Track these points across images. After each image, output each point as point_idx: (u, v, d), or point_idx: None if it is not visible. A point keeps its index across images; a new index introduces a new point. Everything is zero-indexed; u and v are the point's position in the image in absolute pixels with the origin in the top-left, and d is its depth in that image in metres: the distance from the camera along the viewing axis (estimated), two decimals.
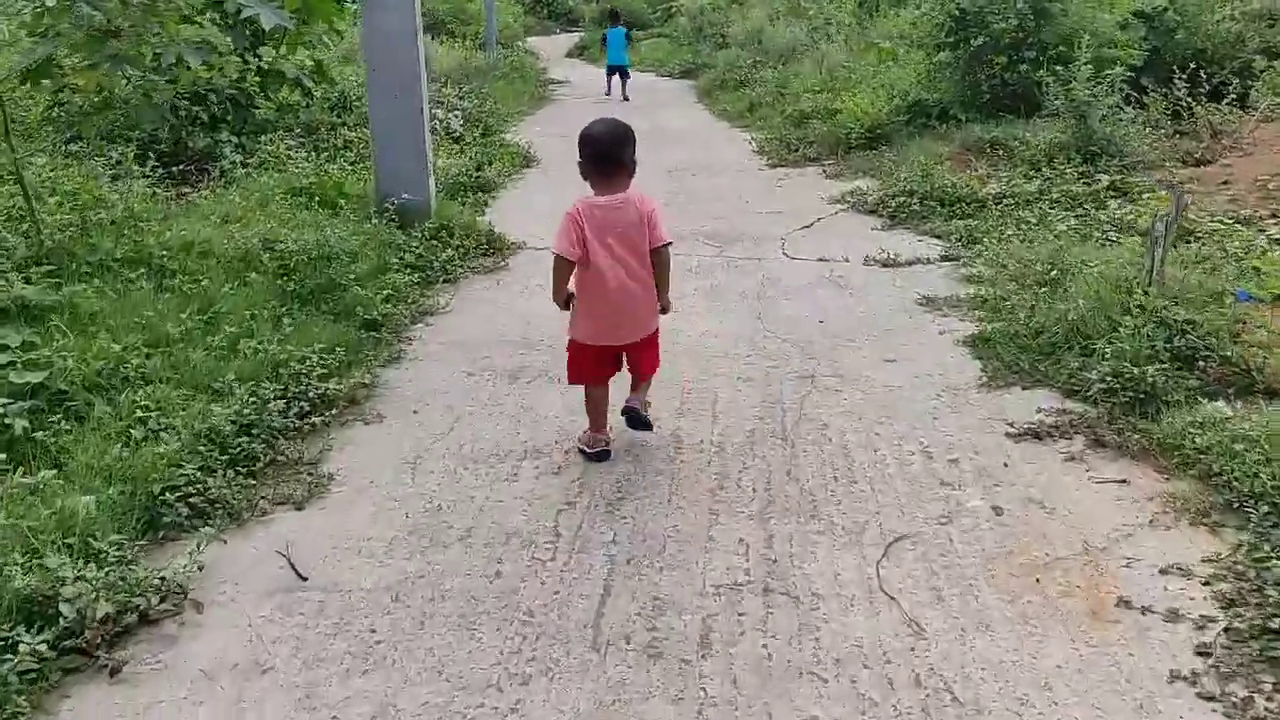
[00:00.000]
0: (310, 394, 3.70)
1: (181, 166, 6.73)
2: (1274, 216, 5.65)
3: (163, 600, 2.58)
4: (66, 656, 2.38)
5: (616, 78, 14.77)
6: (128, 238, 4.76)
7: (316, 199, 5.89)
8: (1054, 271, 4.58)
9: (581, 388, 3.47)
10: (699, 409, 3.73)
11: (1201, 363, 3.55)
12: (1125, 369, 3.51)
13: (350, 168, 6.94)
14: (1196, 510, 2.92)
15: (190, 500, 3.00)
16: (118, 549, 2.70)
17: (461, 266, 5.51)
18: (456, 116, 9.47)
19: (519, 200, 7.50)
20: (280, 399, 3.60)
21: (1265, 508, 2.82)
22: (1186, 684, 2.27)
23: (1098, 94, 6.88)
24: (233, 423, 3.36)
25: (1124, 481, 3.12)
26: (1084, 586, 2.63)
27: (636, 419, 3.43)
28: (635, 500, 3.12)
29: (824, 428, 3.56)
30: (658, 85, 16.71)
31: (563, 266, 3.25)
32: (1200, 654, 2.37)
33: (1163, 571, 2.67)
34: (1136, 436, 3.29)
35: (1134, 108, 7.44)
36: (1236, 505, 2.89)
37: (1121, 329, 3.68)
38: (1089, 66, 6.87)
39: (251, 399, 3.51)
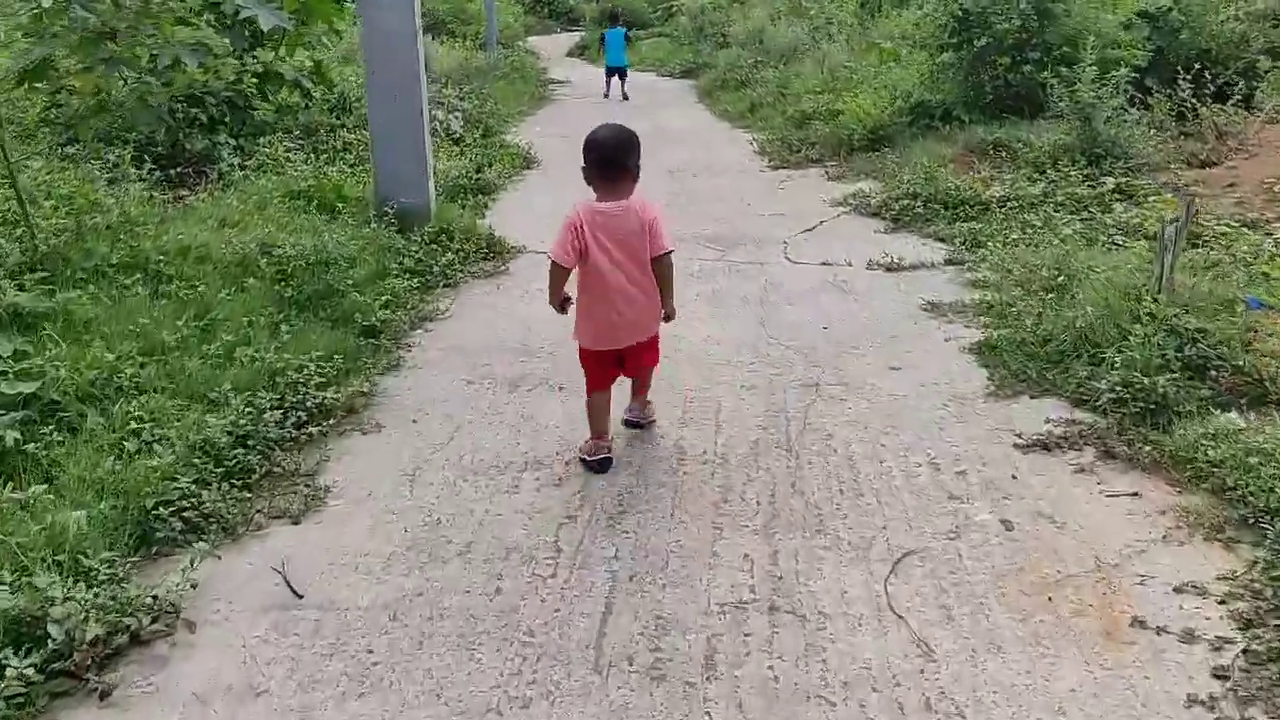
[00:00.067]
0: (308, 403, 3.65)
1: (179, 169, 6.66)
2: None
3: (154, 620, 2.53)
4: (55, 680, 2.32)
5: (616, 79, 14.73)
6: (124, 242, 4.70)
7: (315, 202, 5.83)
8: (1060, 277, 4.52)
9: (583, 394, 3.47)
10: (702, 418, 3.68)
11: (1213, 372, 3.49)
12: (1135, 379, 3.45)
13: (349, 170, 6.88)
14: (1210, 525, 2.86)
15: (184, 514, 2.94)
16: (109, 566, 2.64)
17: (461, 271, 5.45)
18: (457, 117, 9.41)
19: (519, 202, 7.44)
20: (277, 409, 3.54)
21: None
22: (1204, 709, 2.21)
23: (1102, 95, 6.82)
24: (228, 434, 3.30)
25: (1135, 495, 3.06)
26: (1097, 605, 2.58)
27: (634, 426, 3.54)
28: (637, 514, 3.06)
29: (829, 438, 3.50)
30: (658, 85, 16.64)
31: (558, 272, 3.26)
32: (1218, 677, 2.31)
33: (1177, 590, 2.62)
34: (1148, 449, 3.23)
35: (1138, 109, 7.38)
36: (1252, 521, 2.83)
37: (1131, 337, 3.62)
38: (1094, 68, 6.81)
39: (247, 409, 3.45)
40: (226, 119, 7.32)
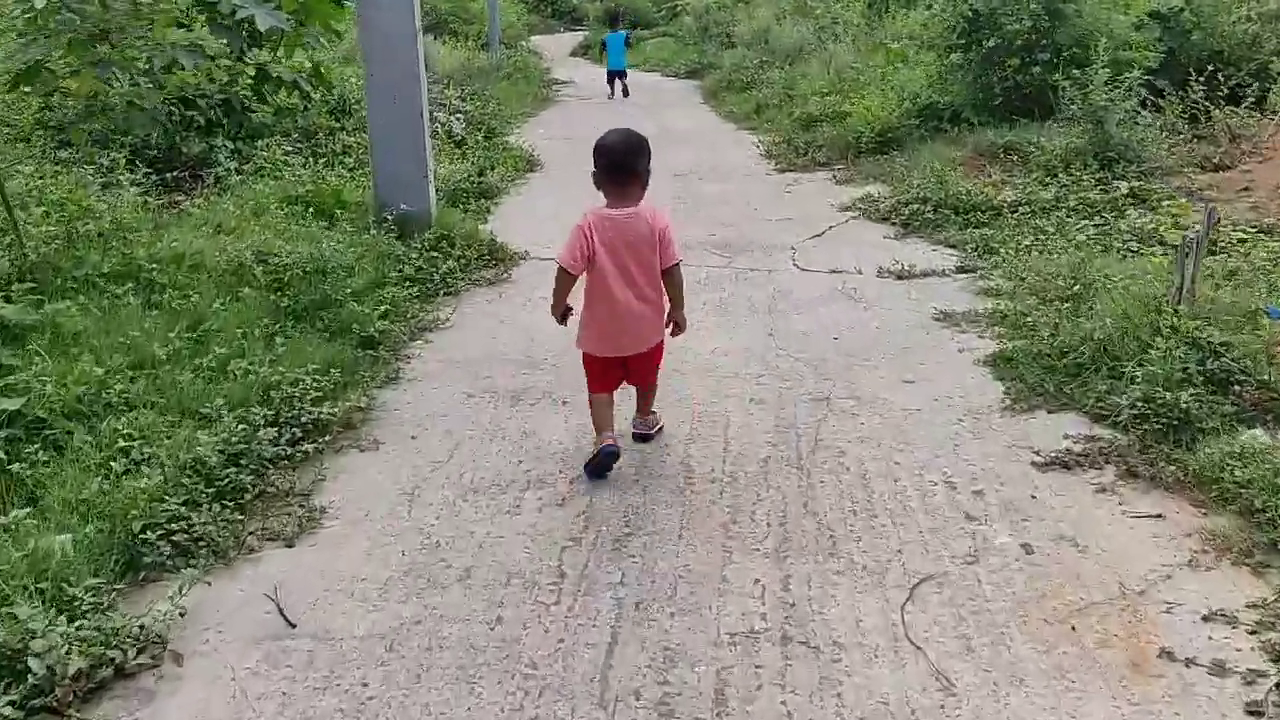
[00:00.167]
0: (303, 419, 3.54)
1: (175, 173, 6.57)
2: None
3: (140, 652, 2.42)
4: (36, 716, 2.22)
5: (617, 81, 14.66)
6: (116, 250, 4.62)
7: (313, 208, 5.72)
8: (1076, 286, 4.41)
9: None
10: (710, 434, 3.57)
11: (1236, 387, 3.38)
12: (1157, 394, 3.34)
13: (349, 174, 6.79)
14: (1239, 550, 2.75)
15: (173, 538, 2.84)
16: (93, 595, 2.54)
17: (462, 279, 5.35)
18: (458, 119, 9.30)
19: (522, 207, 7.34)
20: (271, 425, 3.44)
21: None
22: None
23: (1115, 98, 6.70)
24: (220, 452, 3.20)
25: (1159, 516, 2.95)
26: (1122, 635, 2.46)
27: (644, 439, 3.52)
28: (644, 536, 2.95)
29: (841, 455, 3.39)
30: (663, 85, 16.55)
31: (564, 279, 3.27)
32: (1251, 713, 2.20)
33: (1205, 619, 2.51)
34: (1171, 468, 3.12)
35: (1149, 111, 7.27)
36: None
37: (1152, 351, 3.50)
38: (1106, 70, 6.69)
39: (240, 426, 3.35)
40: (224, 121, 7.22)
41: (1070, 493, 3.10)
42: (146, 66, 6.60)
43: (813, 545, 2.88)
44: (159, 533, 2.83)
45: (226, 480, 3.13)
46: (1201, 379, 3.38)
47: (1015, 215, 5.98)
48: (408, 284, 5.04)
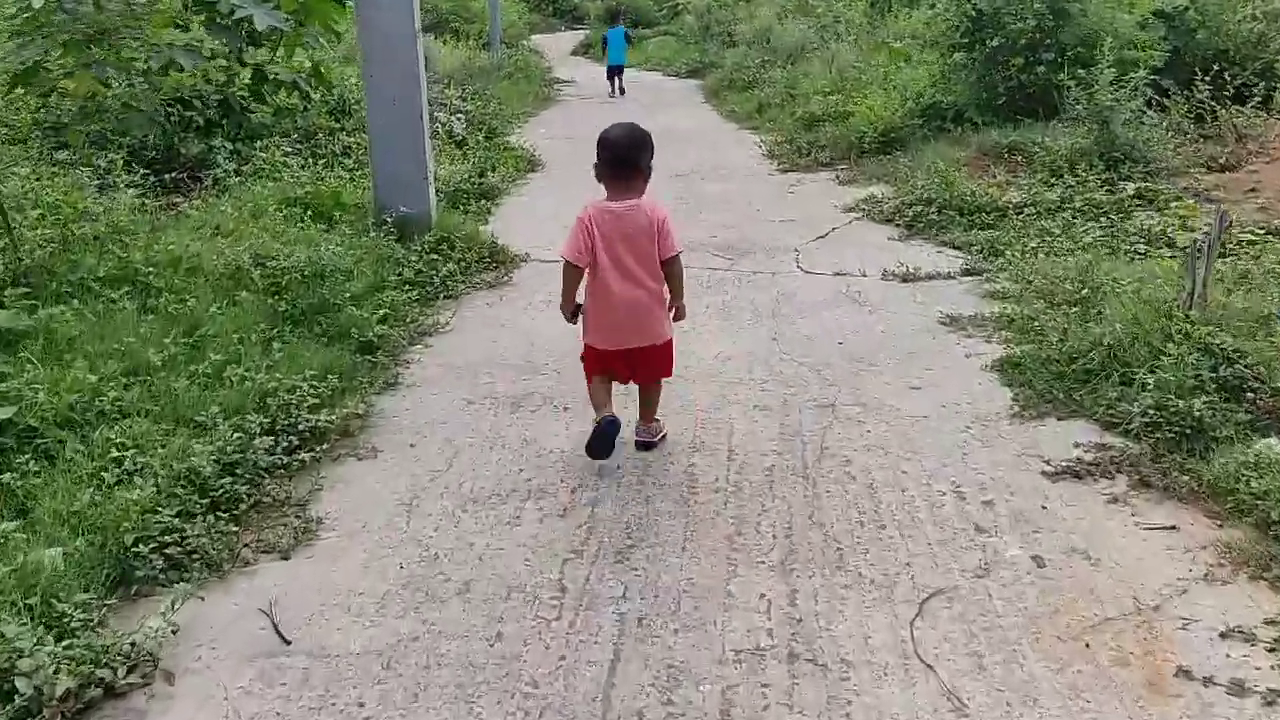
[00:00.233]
0: (300, 426, 3.48)
1: (174, 174, 6.51)
2: None
3: (131, 670, 2.36)
4: None
5: (617, 78, 14.63)
6: (112, 253, 4.55)
7: (311, 210, 5.66)
8: (1084, 289, 4.35)
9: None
10: (713, 443, 3.51)
11: (1251, 395, 3.31)
12: (1169, 401, 3.28)
13: (348, 175, 6.72)
14: (1256, 563, 2.68)
15: (166, 551, 2.77)
16: (83, 611, 2.48)
17: (463, 282, 5.29)
18: (459, 119, 9.24)
19: (523, 208, 7.28)
20: (267, 433, 3.37)
21: None
22: None
23: (1120, 98, 6.63)
24: (215, 461, 3.13)
25: (1173, 528, 2.88)
26: (1138, 653, 2.40)
27: (650, 449, 3.46)
28: (646, 548, 2.89)
29: (847, 464, 3.33)
30: (664, 85, 16.49)
31: (572, 272, 3.31)
32: None
33: (1223, 635, 2.44)
34: (1185, 478, 3.05)
35: (1155, 111, 7.20)
36: None
37: (1164, 357, 3.44)
38: (1112, 70, 6.62)
39: (236, 434, 3.29)
40: (223, 122, 7.16)
41: (1082, 503, 3.04)
42: (145, 67, 6.54)
43: (819, 558, 2.82)
44: (151, 545, 2.76)
45: (221, 490, 3.07)
46: (1214, 386, 3.32)
47: (1020, 217, 5.92)
48: (407, 287, 4.98)
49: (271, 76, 7.32)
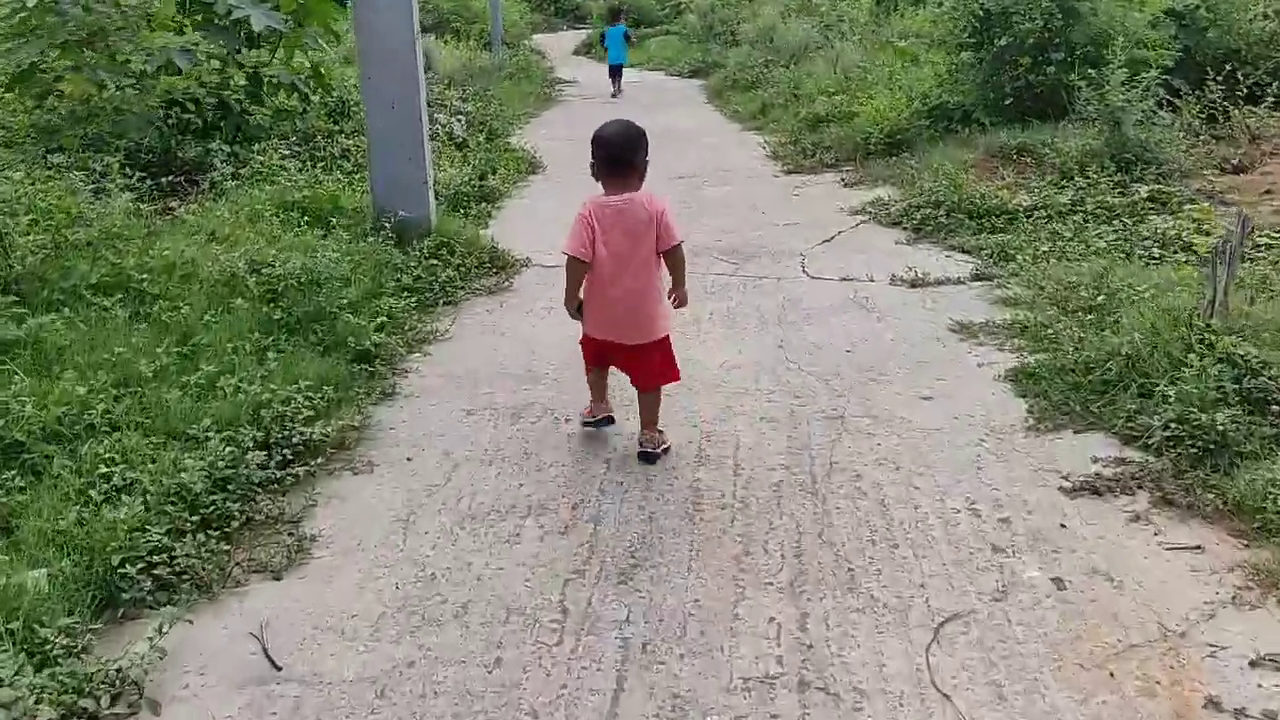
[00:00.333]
0: (294, 440, 3.38)
1: (171, 177, 6.41)
2: None
3: (115, 699, 2.27)
4: None
5: (618, 77, 14.59)
6: (105, 260, 4.46)
7: (308, 215, 5.56)
8: (1100, 296, 4.25)
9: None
10: (719, 456, 3.40)
11: (1276, 408, 3.20)
12: (1191, 414, 3.17)
13: (346, 178, 6.62)
14: None
15: (154, 571, 2.68)
16: (67, 637, 2.38)
17: (463, 288, 5.19)
18: (459, 121, 9.15)
19: (524, 211, 7.18)
20: (261, 448, 3.28)
21: None
22: None
23: (1132, 98, 6.52)
24: (206, 476, 3.04)
25: (1198, 548, 2.78)
26: (1165, 682, 2.30)
27: (651, 460, 3.39)
28: (650, 568, 2.79)
29: (857, 479, 3.23)
30: (667, 85, 16.39)
31: (576, 267, 3.30)
32: None
33: (1253, 664, 2.34)
34: (1209, 495, 2.95)
35: (1167, 111, 7.08)
36: None
37: (1185, 368, 3.33)
38: (1123, 70, 6.51)
39: (229, 448, 3.19)
40: (221, 124, 7.07)
41: (1102, 521, 2.94)
42: (142, 69, 6.45)
43: (830, 579, 2.72)
44: (139, 566, 2.67)
45: (212, 507, 2.98)
46: (1238, 399, 3.21)
47: (1031, 220, 5.81)
48: (406, 294, 4.88)
49: (268, 79, 7.22)
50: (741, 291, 5.16)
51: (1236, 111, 7.36)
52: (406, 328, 4.54)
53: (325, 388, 3.72)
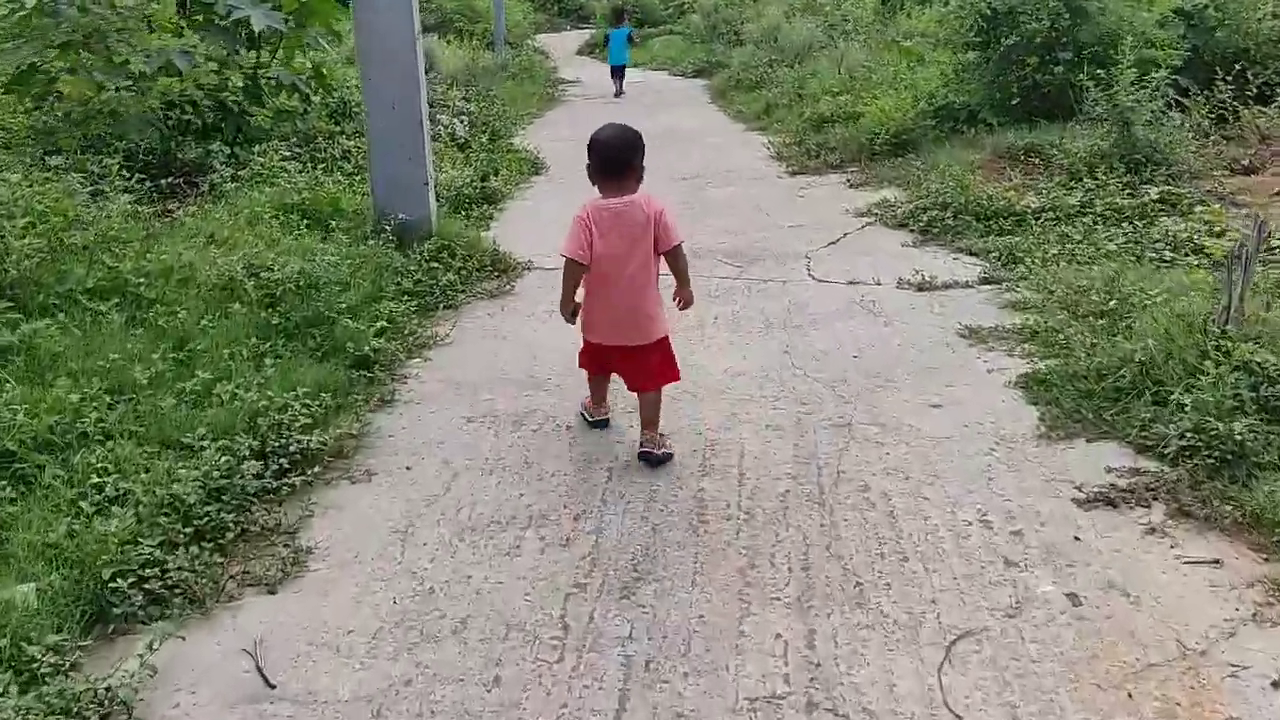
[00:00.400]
0: (291, 448, 3.31)
1: (170, 179, 6.36)
2: None
3: (104, 719, 2.21)
4: None
5: (620, 78, 14.54)
6: (102, 263, 4.40)
7: (308, 218, 5.50)
8: (1111, 301, 4.17)
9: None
10: (724, 465, 3.34)
11: None
12: (1208, 424, 3.10)
13: (347, 180, 6.56)
14: None
15: (146, 585, 2.62)
16: (55, 654, 2.32)
17: (464, 291, 5.12)
18: (462, 121, 9.09)
19: (527, 213, 7.12)
20: (257, 457, 3.21)
21: None
22: None
23: (1141, 98, 6.44)
24: (201, 487, 2.98)
25: (1216, 563, 2.71)
26: (1185, 704, 2.23)
27: (650, 461, 3.34)
28: (654, 582, 2.73)
29: (865, 489, 3.15)
30: (670, 84, 16.32)
31: (574, 270, 3.29)
32: None
33: (1276, 685, 2.26)
34: (1228, 507, 2.87)
35: (1175, 111, 7.00)
36: None
37: (1201, 376, 3.26)
38: (1132, 70, 6.43)
39: (224, 457, 3.13)
40: (222, 126, 7.01)
41: (1117, 533, 2.86)
42: (141, 70, 6.39)
43: (838, 594, 2.65)
44: (131, 579, 2.60)
45: (206, 518, 2.91)
46: (1255, 408, 3.14)
47: (1039, 222, 5.74)
48: (406, 298, 4.82)
49: (265, 80, 7.16)
50: (746, 295, 5.09)
51: (1246, 112, 7.28)
52: (406, 332, 4.48)
53: (323, 394, 3.66)
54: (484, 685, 2.36)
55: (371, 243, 5.20)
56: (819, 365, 4.13)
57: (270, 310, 4.25)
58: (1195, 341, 3.45)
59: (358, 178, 6.57)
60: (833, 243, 5.99)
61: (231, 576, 2.78)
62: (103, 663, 2.42)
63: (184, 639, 2.53)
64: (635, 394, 3.45)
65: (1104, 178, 6.11)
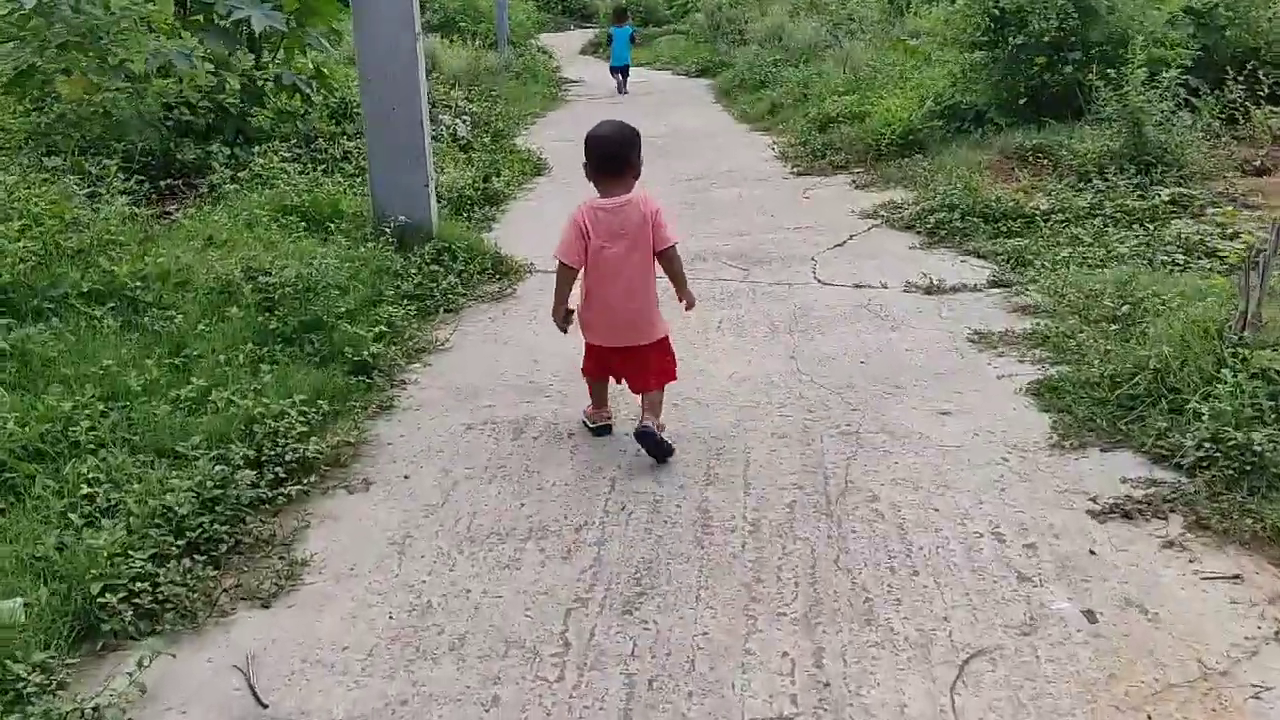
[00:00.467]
0: (287, 457, 3.25)
1: (169, 180, 6.30)
2: None
3: None
4: None
5: (622, 76, 14.49)
6: (97, 267, 4.34)
7: (308, 220, 5.43)
8: (1124, 305, 4.09)
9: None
10: (729, 474, 3.26)
11: None
12: (1226, 433, 3.02)
13: (348, 181, 6.49)
14: None
15: (136, 600, 2.55)
16: (42, 673, 2.26)
17: (464, 295, 5.06)
18: (464, 122, 9.02)
19: (529, 214, 7.05)
20: (252, 466, 3.15)
21: None
22: None
23: (1151, 98, 6.35)
24: (194, 497, 2.91)
25: (1236, 578, 2.63)
26: None
27: (651, 441, 3.25)
28: (657, 597, 2.66)
29: (874, 500, 3.08)
30: (674, 84, 16.24)
31: (566, 274, 3.30)
32: None
33: None
34: (1247, 520, 2.79)
35: (1185, 111, 6.91)
36: None
37: (1218, 383, 3.18)
38: (1143, 69, 6.34)
39: (218, 466, 3.06)
40: (222, 127, 6.95)
41: (1133, 547, 2.78)
42: (142, 71, 6.33)
43: (847, 609, 2.57)
44: (120, 594, 2.54)
45: (199, 530, 2.85)
46: (1275, 417, 3.05)
47: (1049, 224, 5.65)
48: (406, 301, 4.75)
49: (262, 82, 7.09)
50: (751, 298, 5.02)
51: (1257, 112, 7.19)
52: (406, 337, 4.42)
53: (320, 401, 3.59)
54: (482, 705, 2.30)
55: (371, 245, 5.14)
56: (826, 371, 4.05)
57: (268, 314, 4.18)
58: (1212, 348, 3.37)
59: (359, 179, 6.50)
60: (839, 245, 5.92)
61: (224, 590, 2.71)
62: (91, 681, 2.36)
63: (174, 656, 2.46)
64: (636, 395, 3.40)
65: (1114, 179, 6.02)
